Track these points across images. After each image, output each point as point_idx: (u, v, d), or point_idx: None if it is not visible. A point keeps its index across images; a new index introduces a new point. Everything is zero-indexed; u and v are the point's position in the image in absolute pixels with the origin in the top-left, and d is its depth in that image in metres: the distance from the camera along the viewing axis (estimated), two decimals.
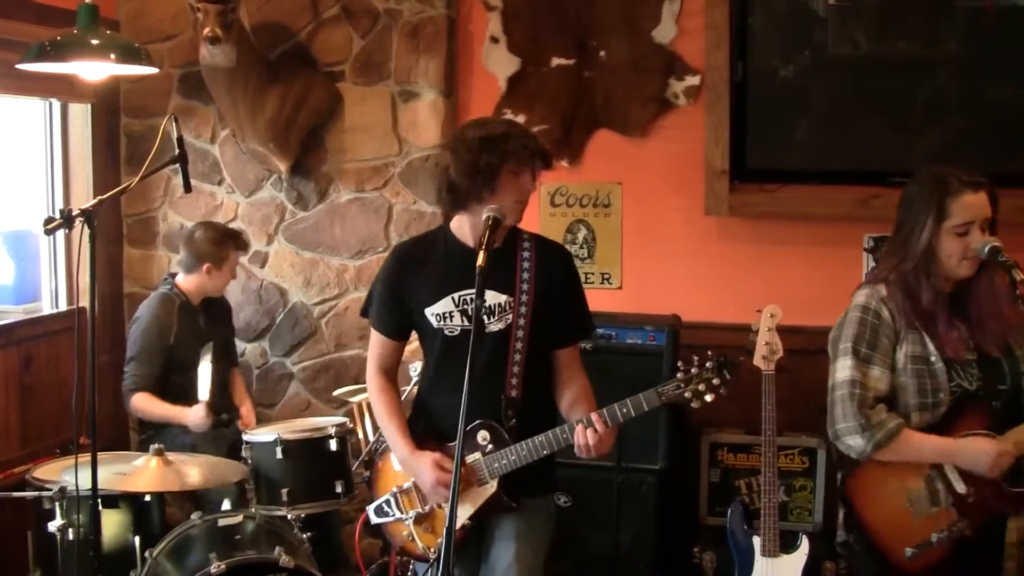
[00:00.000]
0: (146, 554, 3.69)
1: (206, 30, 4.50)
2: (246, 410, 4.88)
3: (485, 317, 3.11)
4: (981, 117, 4.52)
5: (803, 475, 4.53)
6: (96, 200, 3.37)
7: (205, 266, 4.66)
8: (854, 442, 3.08)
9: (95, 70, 3.92)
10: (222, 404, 4.80)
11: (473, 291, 3.05)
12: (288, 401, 5.33)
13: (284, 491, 4.21)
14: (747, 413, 4.18)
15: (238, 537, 3.77)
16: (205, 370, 4.42)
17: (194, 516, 3.81)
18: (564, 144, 4.98)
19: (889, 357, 3.12)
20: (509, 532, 3.17)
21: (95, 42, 3.65)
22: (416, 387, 3.55)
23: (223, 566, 3.55)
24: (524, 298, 3.13)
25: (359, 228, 5.19)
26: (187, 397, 4.56)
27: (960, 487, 3.07)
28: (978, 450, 3.03)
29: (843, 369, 3.12)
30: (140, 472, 3.79)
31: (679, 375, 3.01)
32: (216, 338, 4.80)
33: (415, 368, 4.28)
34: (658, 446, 4.41)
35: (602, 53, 4.90)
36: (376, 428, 4.61)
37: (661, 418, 4.36)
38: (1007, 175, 4.32)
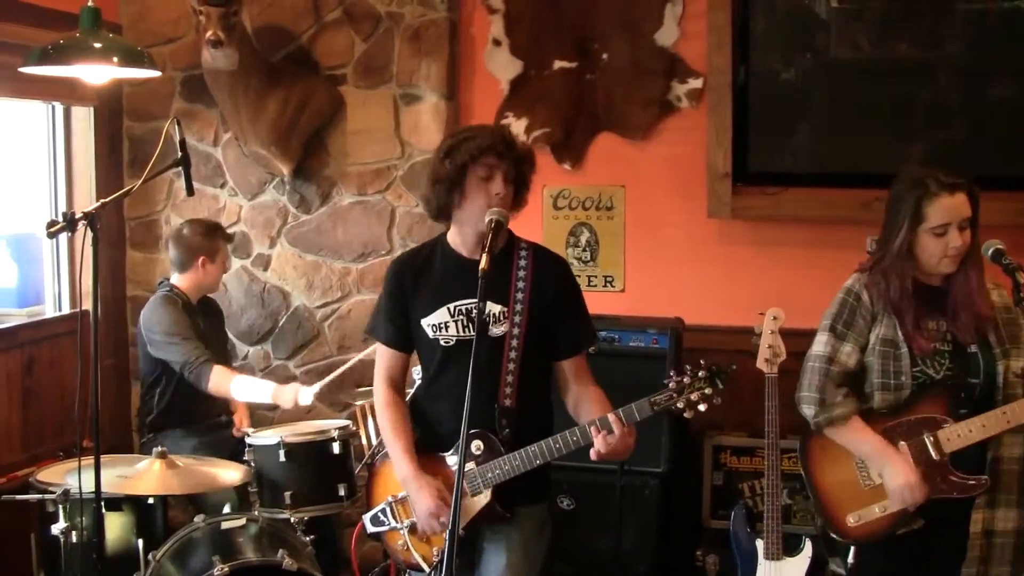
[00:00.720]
0: (149, 557, 3.68)
1: (208, 33, 4.51)
2: (241, 413, 4.86)
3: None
4: (983, 120, 4.51)
5: None
6: (99, 203, 3.37)
7: (200, 259, 4.64)
8: (808, 412, 3.33)
9: (98, 73, 3.93)
10: (221, 404, 4.80)
11: (468, 301, 3.05)
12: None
13: (287, 494, 4.21)
14: (750, 416, 4.19)
15: (241, 540, 3.77)
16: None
17: (197, 519, 3.80)
18: (566, 147, 4.98)
19: (863, 337, 3.31)
20: (500, 542, 3.16)
21: (97, 45, 3.65)
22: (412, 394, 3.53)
23: (226, 569, 3.55)
24: (519, 308, 3.12)
25: (361, 231, 5.19)
26: (196, 398, 4.56)
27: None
28: (897, 473, 3.21)
29: (819, 344, 3.35)
30: (143, 475, 3.79)
31: (671, 384, 3.00)
32: (213, 337, 4.81)
33: (418, 371, 4.27)
34: (661, 449, 4.41)
35: (604, 56, 4.90)
36: (379, 432, 4.61)
37: (664, 421, 4.35)
38: (1008, 178, 4.34)
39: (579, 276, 4.26)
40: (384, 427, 3.27)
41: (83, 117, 5.18)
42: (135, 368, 5.11)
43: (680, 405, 2.99)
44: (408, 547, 3.24)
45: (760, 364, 3.96)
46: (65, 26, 4.20)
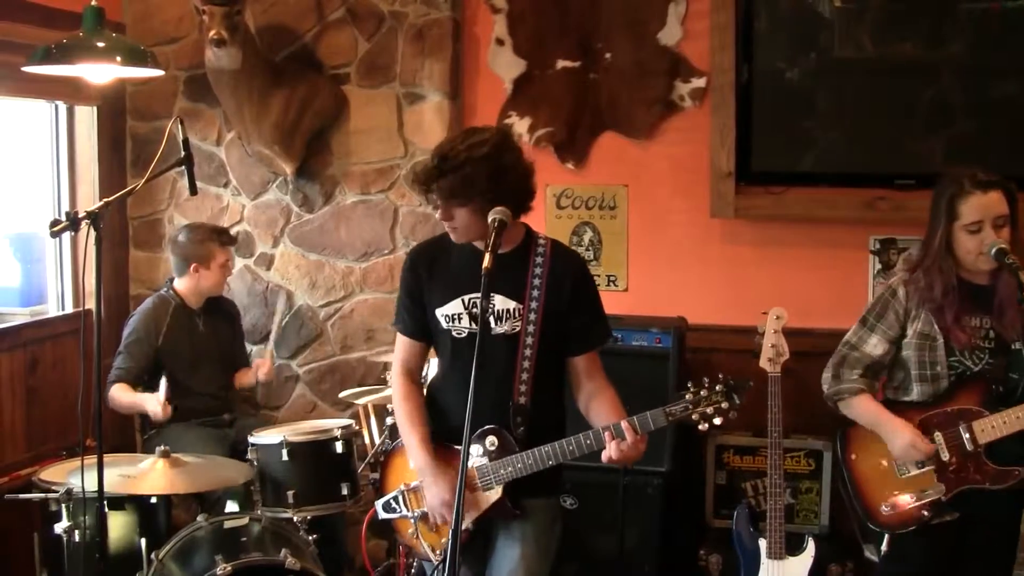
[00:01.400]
0: (152, 556, 3.69)
1: (212, 32, 4.50)
2: (261, 360, 4.88)
3: (491, 320, 3.11)
4: (987, 119, 4.51)
5: (809, 477, 4.52)
6: (102, 202, 3.37)
7: (192, 266, 4.68)
8: (824, 387, 3.56)
9: (101, 73, 3.93)
10: (224, 405, 4.81)
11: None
12: (294, 403, 5.33)
13: (290, 493, 4.20)
14: (753, 415, 4.17)
15: (244, 539, 3.77)
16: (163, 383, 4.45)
17: (200, 518, 3.81)
18: (569, 146, 4.98)
19: (892, 329, 3.45)
20: (514, 534, 3.16)
21: (101, 45, 3.65)
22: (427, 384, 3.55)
23: (229, 568, 3.55)
24: (533, 305, 3.12)
25: (364, 230, 5.19)
26: (186, 395, 4.58)
27: (945, 455, 3.34)
28: (897, 434, 3.35)
29: (851, 332, 3.56)
30: (146, 474, 3.79)
31: (688, 396, 2.99)
32: (215, 343, 4.81)
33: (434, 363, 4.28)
34: (664, 448, 4.40)
35: (607, 55, 4.90)
36: (382, 430, 4.62)
37: None
38: (1014, 177, 4.33)
39: None
40: (400, 418, 3.28)
41: (86, 116, 5.18)
42: None
43: (695, 417, 2.98)
44: (417, 535, 3.26)
45: (763, 363, 3.96)
46: (68, 25, 4.20)
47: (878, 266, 4.72)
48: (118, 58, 3.68)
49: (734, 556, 4.13)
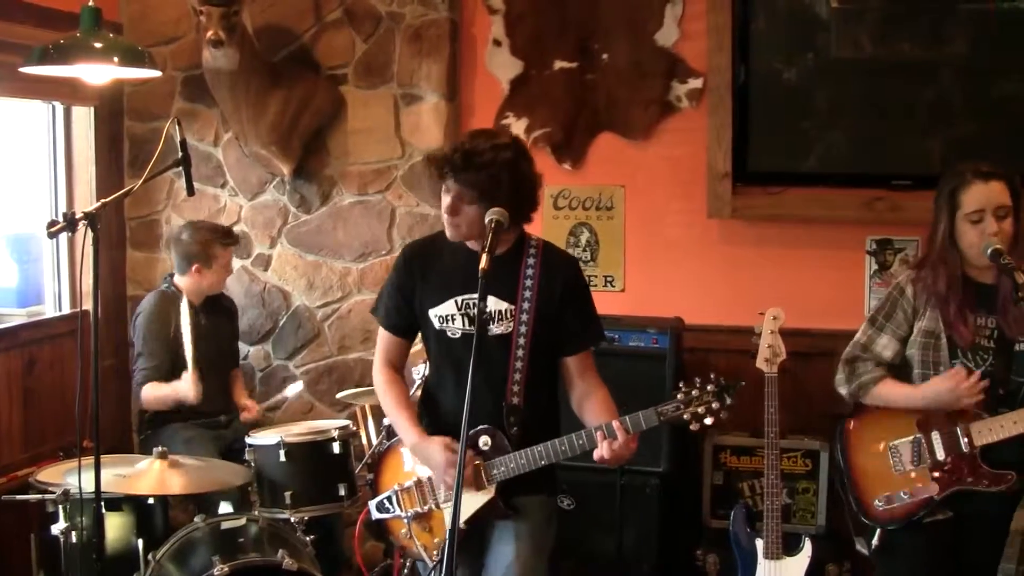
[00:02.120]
0: (149, 557, 3.69)
1: (209, 33, 4.50)
2: (250, 401, 4.86)
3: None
4: (985, 119, 4.51)
5: (806, 477, 4.52)
6: (99, 203, 3.37)
7: (194, 266, 4.67)
8: (842, 390, 3.52)
9: (98, 73, 3.93)
10: (222, 405, 4.80)
11: (475, 296, 3.06)
12: (291, 404, 5.33)
13: (287, 494, 4.21)
14: (750, 415, 4.18)
15: (241, 540, 3.77)
16: (186, 334, 4.45)
17: (197, 519, 3.81)
18: (567, 147, 4.98)
19: (901, 329, 3.43)
20: (509, 533, 3.17)
21: (98, 45, 3.65)
22: (420, 389, 3.55)
23: (226, 569, 3.56)
24: (526, 306, 3.13)
25: (362, 231, 5.19)
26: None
27: (940, 454, 3.35)
28: (936, 391, 3.30)
29: (859, 333, 3.52)
30: (143, 474, 3.79)
31: (679, 396, 3.01)
32: (217, 337, 4.81)
33: (418, 371, 4.28)
34: (661, 449, 4.41)
35: (604, 56, 4.90)
36: (379, 431, 4.62)
37: None
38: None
39: None
40: (387, 403, 3.29)
41: (83, 117, 5.18)
42: None
43: (687, 417, 2.99)
44: (411, 535, 3.27)
45: (760, 364, 3.96)
46: (66, 26, 4.20)
47: (875, 267, 4.72)
48: (115, 59, 3.68)
49: (731, 556, 4.14)
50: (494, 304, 3.11)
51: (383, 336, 3.34)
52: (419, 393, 3.57)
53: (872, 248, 4.74)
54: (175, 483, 3.80)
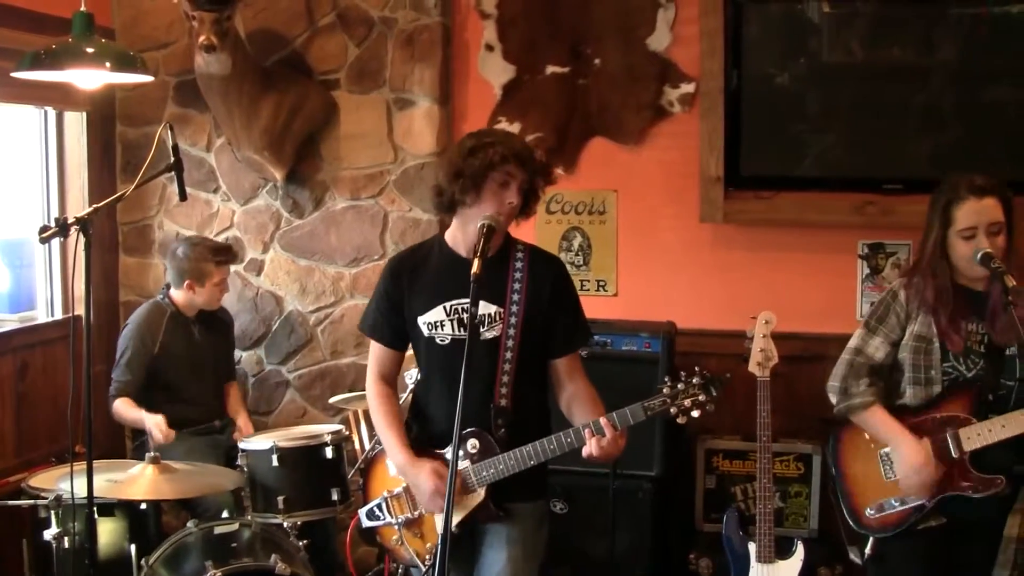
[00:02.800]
0: (142, 562, 3.69)
1: (201, 38, 4.49)
2: (243, 421, 4.87)
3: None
4: (975, 124, 4.53)
5: (799, 481, 4.53)
6: (91, 208, 3.37)
7: (187, 283, 4.67)
8: (832, 399, 3.51)
9: (90, 78, 3.93)
10: (215, 413, 4.80)
11: (465, 300, 3.07)
12: (284, 409, 5.33)
13: (280, 499, 4.20)
14: (742, 419, 4.20)
15: (234, 545, 3.77)
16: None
17: (190, 524, 3.81)
18: (559, 152, 4.98)
19: (894, 332, 3.43)
20: (501, 537, 3.17)
21: (90, 50, 3.65)
22: (411, 394, 3.56)
23: (219, 574, 3.56)
24: (514, 309, 3.14)
25: (355, 236, 5.19)
26: (180, 402, 4.58)
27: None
28: (908, 455, 3.31)
29: (854, 337, 3.51)
30: (136, 480, 3.79)
31: (665, 390, 3.03)
32: (211, 351, 4.81)
33: (411, 376, 4.28)
34: (654, 453, 4.41)
35: (597, 61, 4.91)
36: (372, 435, 4.61)
37: (657, 425, 4.35)
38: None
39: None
40: (377, 420, 3.30)
41: (76, 122, 5.18)
42: None
43: (673, 411, 3.01)
44: (402, 542, 3.27)
45: (752, 368, 3.98)
46: (58, 31, 4.20)
47: (866, 271, 4.73)
48: (108, 64, 3.68)
49: (724, 560, 4.14)
50: (483, 308, 3.12)
51: (375, 349, 3.34)
52: (410, 398, 3.57)
53: (864, 252, 4.75)
54: (167, 488, 3.80)
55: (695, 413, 3.00)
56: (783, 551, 4.02)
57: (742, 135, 4.72)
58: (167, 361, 4.63)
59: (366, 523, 3.37)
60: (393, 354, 3.33)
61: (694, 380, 3.01)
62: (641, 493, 4.41)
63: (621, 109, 4.90)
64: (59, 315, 5.14)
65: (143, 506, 3.89)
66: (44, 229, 3.23)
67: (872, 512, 3.43)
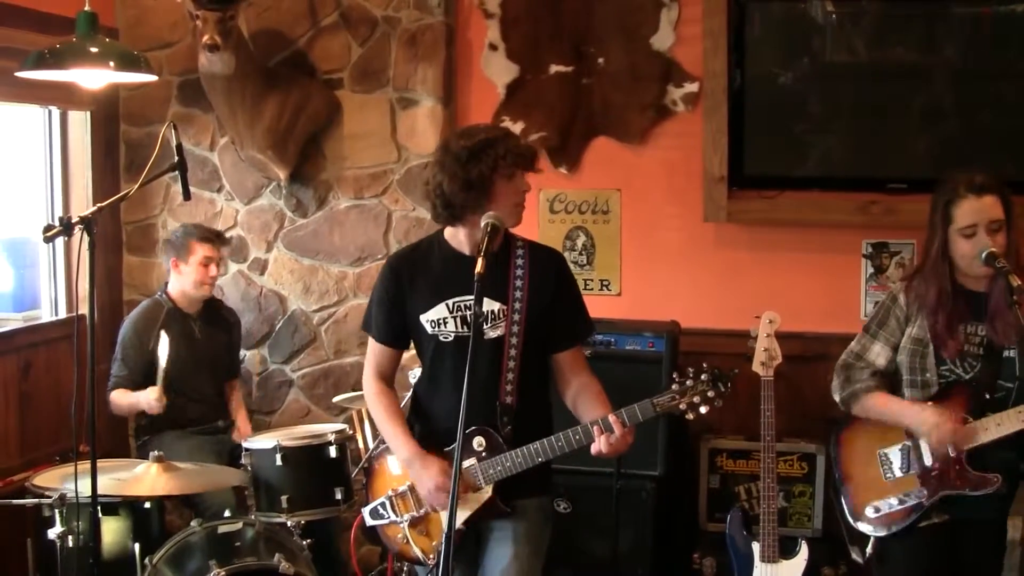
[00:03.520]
0: (146, 561, 3.69)
1: (205, 38, 4.50)
2: (242, 421, 4.87)
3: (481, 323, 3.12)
4: (979, 124, 4.53)
5: (802, 481, 4.53)
6: (95, 207, 3.37)
7: (172, 260, 4.70)
8: (836, 396, 3.53)
9: (94, 78, 3.93)
10: (218, 411, 4.81)
11: (467, 297, 3.07)
12: (287, 408, 5.33)
13: (284, 498, 4.21)
14: (746, 419, 4.19)
15: (238, 544, 3.77)
16: (163, 350, 4.44)
17: (194, 523, 3.81)
18: (562, 151, 4.98)
19: (894, 336, 3.45)
20: (506, 534, 3.18)
21: (94, 50, 3.66)
22: (412, 393, 3.55)
23: (223, 573, 3.56)
24: (517, 305, 3.15)
25: (358, 235, 5.19)
26: (182, 400, 4.59)
27: (928, 460, 3.36)
28: (923, 420, 3.30)
29: (855, 341, 3.54)
30: (140, 479, 3.80)
31: (674, 386, 3.03)
32: (213, 347, 4.81)
33: (414, 375, 4.28)
34: (657, 452, 4.41)
35: (600, 60, 4.91)
36: (376, 434, 4.61)
37: (660, 424, 4.36)
38: (1007, 182, 4.35)
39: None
40: (378, 415, 3.30)
41: (80, 121, 5.18)
42: None
43: (682, 407, 3.01)
44: (408, 540, 3.27)
45: (756, 367, 3.98)
46: (62, 30, 4.21)
47: (870, 270, 4.73)
48: (111, 63, 3.69)
49: (728, 560, 4.14)
50: (486, 305, 3.13)
51: (374, 348, 3.35)
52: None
53: (868, 251, 4.74)
54: (171, 486, 3.81)
55: (704, 409, 3.01)
56: (787, 551, 4.02)
57: (746, 134, 4.72)
58: (157, 360, 4.62)
59: (370, 522, 3.38)
60: (392, 353, 3.34)
61: (703, 376, 3.02)
62: (644, 493, 4.41)
63: (625, 109, 4.90)
64: (63, 314, 5.15)
65: (147, 505, 3.90)
66: (48, 228, 3.23)
67: (872, 512, 3.43)
